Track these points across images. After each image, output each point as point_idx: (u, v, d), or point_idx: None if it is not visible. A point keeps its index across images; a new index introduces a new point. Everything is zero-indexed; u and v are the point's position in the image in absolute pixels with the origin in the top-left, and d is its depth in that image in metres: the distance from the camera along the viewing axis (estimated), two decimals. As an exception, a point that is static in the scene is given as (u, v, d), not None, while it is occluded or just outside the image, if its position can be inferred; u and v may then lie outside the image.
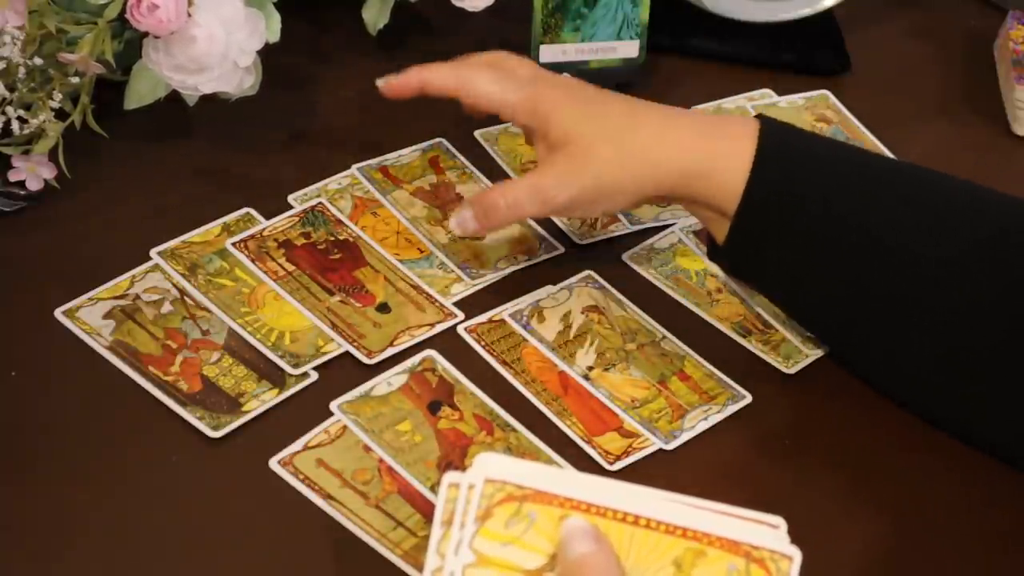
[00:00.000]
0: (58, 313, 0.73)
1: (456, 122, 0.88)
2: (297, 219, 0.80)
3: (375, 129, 0.88)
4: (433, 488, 0.66)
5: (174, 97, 0.82)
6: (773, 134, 0.70)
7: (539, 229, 0.82)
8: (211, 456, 0.68)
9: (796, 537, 0.52)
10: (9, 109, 0.75)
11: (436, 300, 0.76)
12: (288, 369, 0.72)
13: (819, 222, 0.69)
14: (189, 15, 0.75)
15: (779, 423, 0.73)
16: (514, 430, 0.70)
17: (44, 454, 0.67)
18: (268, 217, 0.80)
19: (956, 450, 0.71)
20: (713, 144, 0.70)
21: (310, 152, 0.86)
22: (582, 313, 0.77)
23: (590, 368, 0.74)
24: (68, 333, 0.72)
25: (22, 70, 0.75)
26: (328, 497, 0.65)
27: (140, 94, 0.83)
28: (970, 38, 1.04)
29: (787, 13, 0.99)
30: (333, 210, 0.81)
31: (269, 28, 0.81)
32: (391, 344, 0.73)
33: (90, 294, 0.74)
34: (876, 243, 0.68)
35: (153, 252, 0.77)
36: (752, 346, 0.76)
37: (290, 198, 0.82)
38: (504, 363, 0.73)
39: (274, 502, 0.66)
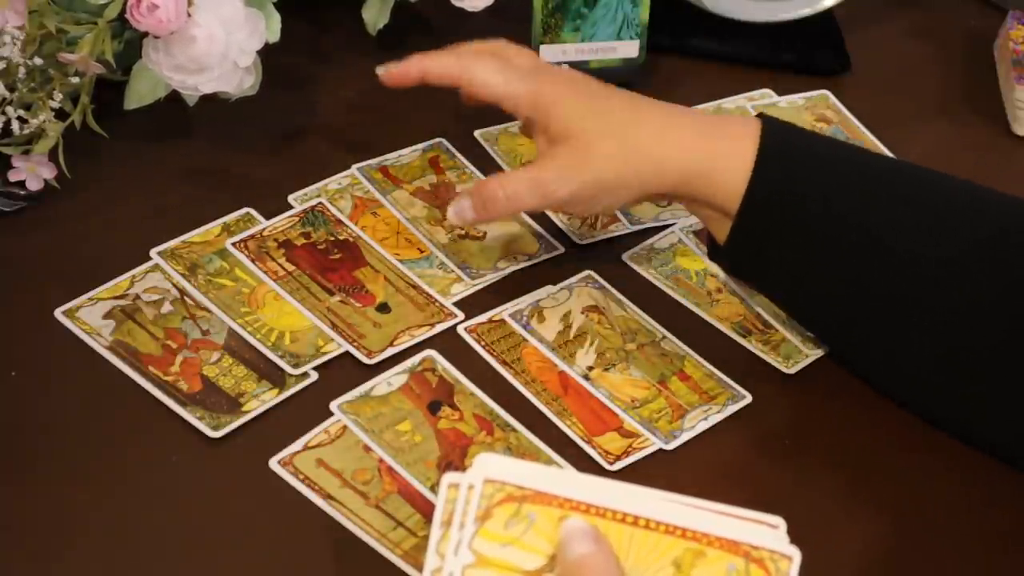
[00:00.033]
0: (58, 313, 0.73)
1: (456, 122, 0.88)
2: (297, 219, 0.80)
3: (375, 129, 0.88)
4: (433, 488, 0.66)
5: (174, 97, 0.82)
6: (775, 133, 0.70)
7: (539, 229, 0.82)
8: (211, 456, 0.68)
9: (796, 537, 0.52)
10: (9, 109, 0.75)
11: (436, 300, 0.76)
12: (288, 369, 0.72)
13: (819, 221, 0.69)
14: (189, 15, 0.75)
15: (779, 423, 0.73)
16: (514, 430, 0.70)
17: (44, 454, 0.67)
18: (268, 217, 0.80)
19: (956, 450, 0.71)
20: (714, 143, 0.70)
21: (310, 152, 0.86)
22: (582, 313, 0.77)
23: (590, 368, 0.74)
24: (68, 333, 0.72)
25: (22, 70, 0.75)
26: (328, 497, 0.65)
27: (140, 94, 0.83)
28: (970, 38, 1.04)
29: (787, 13, 0.99)
30: (333, 210, 0.81)
31: (269, 28, 0.81)
32: (391, 344, 0.73)
33: (90, 294, 0.74)
34: (876, 242, 0.68)
35: (153, 252, 0.77)
36: (752, 346, 0.76)
37: (290, 198, 0.82)
38: (504, 363, 0.73)
39: (274, 502, 0.66)
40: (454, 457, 0.68)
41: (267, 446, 0.67)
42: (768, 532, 0.52)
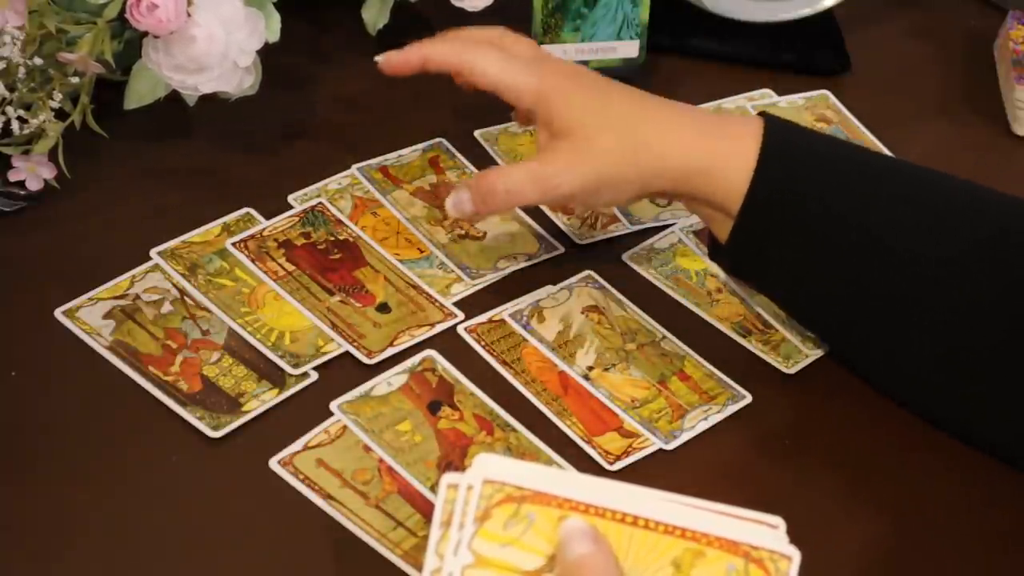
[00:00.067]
0: (58, 313, 0.73)
1: (456, 122, 0.88)
2: (297, 219, 0.80)
3: (375, 129, 0.88)
4: (433, 488, 0.66)
5: (174, 97, 0.82)
6: (776, 132, 0.70)
7: (539, 229, 0.82)
8: (211, 456, 0.68)
9: (795, 537, 0.52)
10: (9, 109, 0.75)
11: (436, 300, 0.76)
12: (288, 369, 0.72)
13: (820, 220, 0.69)
14: (189, 15, 0.75)
15: (779, 423, 0.73)
16: (514, 430, 0.70)
17: (44, 454, 0.67)
18: (268, 217, 0.80)
19: (956, 450, 0.71)
20: (716, 142, 0.70)
21: (310, 152, 0.86)
22: (582, 313, 0.77)
23: (590, 368, 0.74)
24: (68, 333, 0.72)
25: (22, 70, 0.75)
26: (328, 497, 0.65)
27: (140, 94, 0.83)
28: (970, 38, 1.04)
29: (787, 13, 0.99)
30: (333, 210, 0.81)
31: (269, 28, 0.81)
32: (391, 344, 0.73)
33: (90, 294, 0.74)
34: (877, 242, 0.68)
35: (153, 252, 0.77)
36: (752, 346, 0.76)
37: (290, 198, 0.82)
38: (504, 363, 0.73)
39: (274, 502, 0.66)
40: (454, 457, 0.68)
41: (267, 446, 0.67)
42: (768, 532, 0.52)
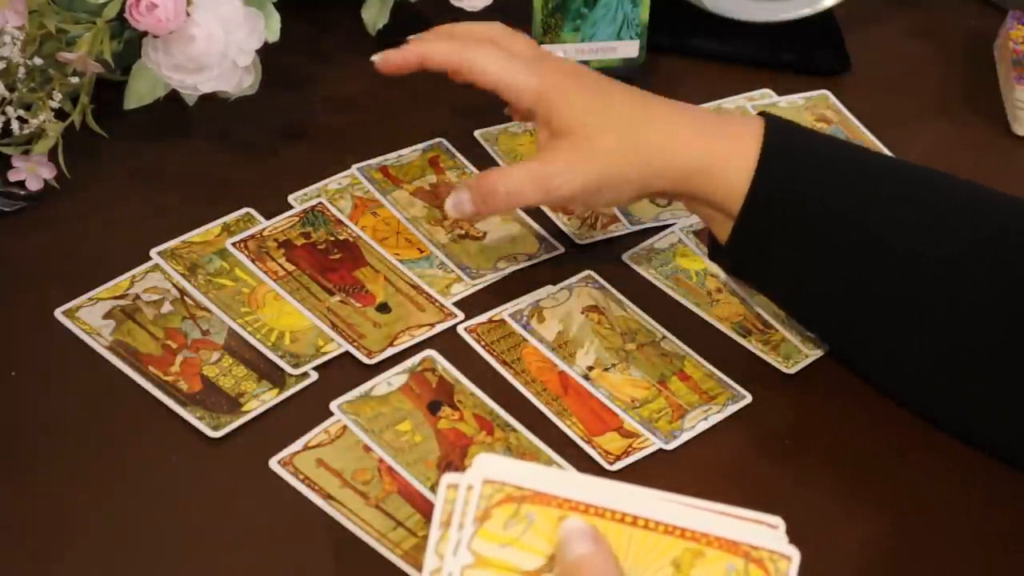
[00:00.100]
0: (58, 313, 0.73)
1: (456, 122, 0.88)
2: (297, 219, 0.80)
3: (375, 129, 0.88)
4: (433, 488, 0.66)
5: (173, 97, 0.82)
6: (777, 132, 0.70)
7: (539, 229, 0.82)
8: (211, 456, 0.68)
9: (795, 537, 0.52)
10: (9, 109, 0.75)
11: (436, 300, 0.76)
12: (288, 369, 0.72)
13: (820, 220, 0.69)
14: (188, 14, 0.75)
15: (779, 423, 0.73)
16: (514, 430, 0.70)
17: (44, 454, 0.67)
18: (268, 217, 0.80)
19: (956, 450, 0.71)
20: (717, 141, 0.70)
21: (310, 152, 0.86)
22: (582, 313, 0.77)
23: (590, 368, 0.74)
24: (68, 333, 0.72)
25: (22, 70, 0.75)
26: (328, 497, 0.65)
27: (140, 94, 0.83)
28: (970, 38, 1.04)
29: (787, 13, 0.99)
30: (333, 210, 0.81)
31: (268, 28, 0.81)
32: (391, 344, 0.73)
33: (90, 294, 0.74)
34: (877, 242, 0.68)
35: (153, 252, 0.77)
36: (752, 346, 0.76)
37: (290, 198, 0.82)
38: (504, 363, 0.73)
39: (274, 502, 0.66)
40: (454, 457, 0.68)
41: (267, 446, 0.67)
42: (767, 532, 0.52)
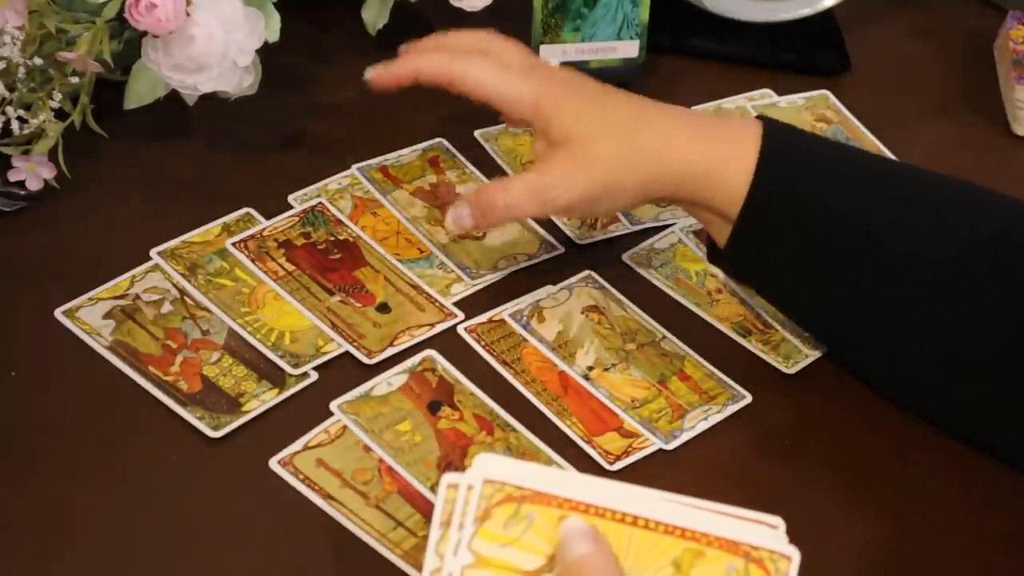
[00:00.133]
0: (58, 313, 0.73)
1: (456, 122, 0.88)
2: (297, 219, 0.80)
3: (375, 129, 0.88)
4: (433, 488, 0.66)
5: (173, 97, 0.82)
6: (775, 135, 0.70)
7: (539, 229, 0.82)
8: (211, 456, 0.68)
9: (795, 537, 0.52)
10: (9, 109, 0.75)
11: (436, 300, 0.76)
12: (288, 369, 0.72)
13: (819, 223, 0.69)
14: (188, 14, 0.75)
15: (779, 423, 0.73)
16: (514, 430, 0.70)
17: (44, 454, 0.67)
18: (268, 217, 0.80)
19: (956, 451, 0.71)
20: (715, 146, 0.70)
21: (310, 152, 0.86)
22: (582, 313, 0.77)
23: (590, 368, 0.74)
24: (68, 333, 0.72)
25: (22, 70, 0.75)
26: (328, 497, 0.65)
27: (139, 94, 0.83)
28: (970, 38, 1.04)
29: (787, 13, 0.99)
30: (333, 210, 0.81)
31: (268, 28, 0.81)
32: (391, 344, 0.73)
33: (90, 294, 0.74)
34: (876, 244, 0.68)
35: (153, 252, 0.77)
36: (752, 346, 0.76)
37: (290, 198, 0.82)
38: (504, 363, 0.73)
39: (274, 502, 0.66)
40: (454, 457, 0.68)
41: (267, 446, 0.67)
42: (767, 532, 0.52)
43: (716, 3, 0.97)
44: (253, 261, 0.77)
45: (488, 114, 0.85)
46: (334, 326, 0.74)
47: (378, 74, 0.74)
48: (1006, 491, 0.70)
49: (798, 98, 0.95)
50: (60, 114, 0.78)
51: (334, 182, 0.83)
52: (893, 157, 0.90)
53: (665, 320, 0.77)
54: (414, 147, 0.87)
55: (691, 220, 0.83)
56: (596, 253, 0.81)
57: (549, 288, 0.78)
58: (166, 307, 0.74)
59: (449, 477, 0.53)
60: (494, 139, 0.88)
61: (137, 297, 0.74)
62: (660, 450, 0.70)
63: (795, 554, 0.52)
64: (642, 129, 0.70)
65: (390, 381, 0.71)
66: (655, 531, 0.52)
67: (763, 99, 0.95)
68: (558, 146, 0.70)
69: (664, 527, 0.52)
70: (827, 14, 1.00)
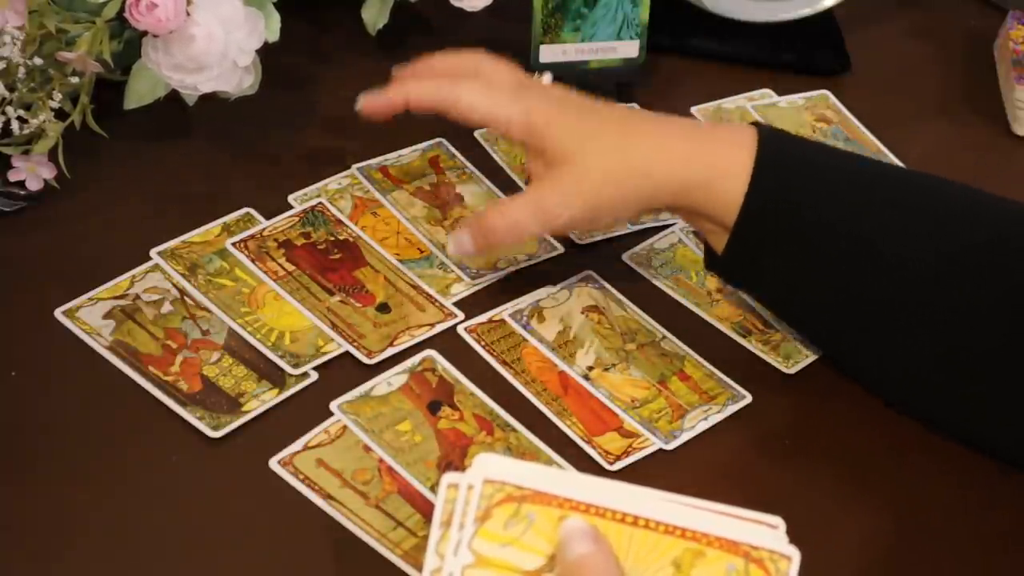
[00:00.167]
0: (58, 313, 0.73)
1: (456, 122, 0.88)
2: (297, 219, 0.80)
3: (375, 129, 0.88)
4: (433, 488, 0.66)
5: (174, 97, 0.82)
6: (770, 142, 0.70)
7: (539, 229, 0.82)
8: (211, 456, 0.68)
9: (795, 537, 0.52)
10: (9, 109, 0.75)
11: (436, 300, 0.77)
12: (288, 369, 0.72)
13: (813, 229, 0.69)
14: (188, 14, 0.75)
15: (779, 423, 0.73)
16: (514, 430, 0.70)
17: (44, 454, 0.67)
18: (268, 217, 0.80)
19: (955, 451, 0.71)
20: (710, 156, 0.70)
21: (310, 152, 0.86)
22: (582, 313, 0.77)
23: (590, 368, 0.74)
24: (68, 333, 0.72)
25: (22, 70, 0.75)
26: (328, 497, 0.65)
27: (140, 94, 0.83)
28: (970, 38, 1.04)
29: (787, 13, 0.99)
30: (333, 210, 0.81)
31: (268, 28, 0.81)
32: (391, 344, 0.73)
33: (90, 294, 0.74)
34: (871, 248, 0.68)
35: (153, 252, 0.77)
36: (752, 346, 0.76)
37: (290, 198, 0.82)
38: (504, 363, 0.73)
39: (274, 502, 0.66)
40: (454, 457, 0.68)
41: (267, 446, 0.67)
42: (767, 532, 0.52)
43: (716, 3, 0.98)
44: (253, 261, 0.77)
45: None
46: (334, 326, 0.74)
47: (369, 103, 0.75)
48: (1005, 491, 0.70)
49: (798, 98, 0.95)
50: (60, 114, 0.78)
51: (334, 182, 0.83)
52: (893, 157, 0.91)
53: (665, 320, 0.77)
54: (414, 147, 0.87)
55: (691, 220, 0.83)
56: (596, 253, 0.81)
57: (549, 288, 0.78)
58: (166, 307, 0.74)
59: (449, 477, 0.53)
60: (494, 139, 0.88)
61: (137, 297, 0.74)
62: (660, 450, 0.70)
63: (795, 554, 0.52)
64: (636, 144, 0.70)
65: (390, 381, 0.71)
66: (655, 531, 0.52)
67: (763, 99, 0.95)
68: (553, 165, 0.71)
69: (664, 527, 0.52)
70: (827, 14, 1.00)
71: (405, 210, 0.82)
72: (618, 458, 0.69)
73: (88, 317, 0.73)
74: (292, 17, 0.84)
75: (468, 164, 0.86)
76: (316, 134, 0.88)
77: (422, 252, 0.80)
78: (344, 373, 0.72)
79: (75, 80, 0.77)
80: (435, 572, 0.52)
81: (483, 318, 0.76)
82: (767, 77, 0.97)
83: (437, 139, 0.88)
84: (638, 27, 0.90)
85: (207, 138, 0.86)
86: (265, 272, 0.76)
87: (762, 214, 0.69)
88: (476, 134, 0.88)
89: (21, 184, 0.78)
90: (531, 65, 0.89)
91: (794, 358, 0.76)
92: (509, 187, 0.84)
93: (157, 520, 0.65)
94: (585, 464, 0.69)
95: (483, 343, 0.74)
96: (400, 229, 0.81)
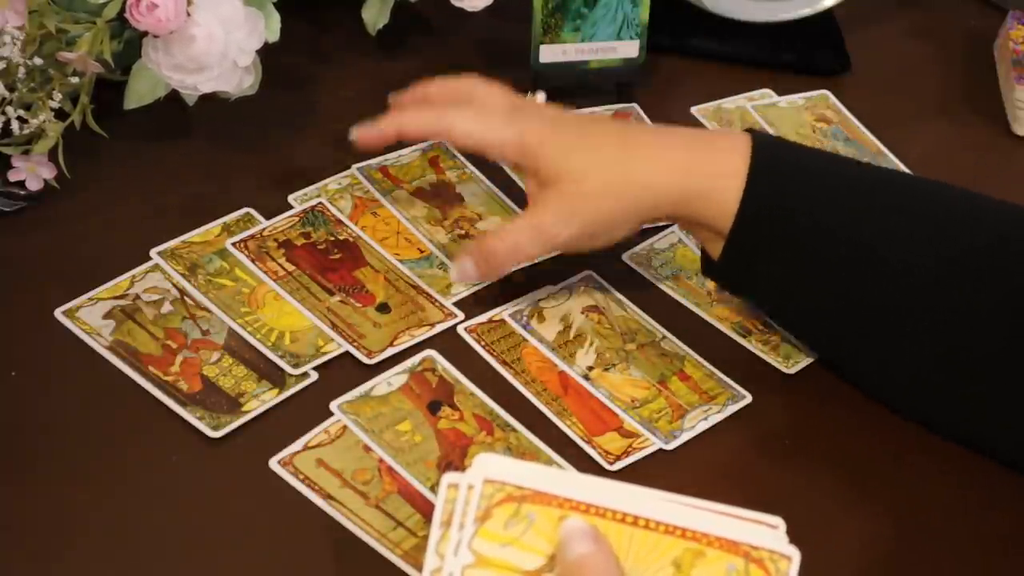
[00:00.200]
0: (58, 313, 0.73)
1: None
2: (297, 219, 0.80)
3: (375, 129, 0.88)
4: (433, 488, 0.66)
5: (174, 97, 0.82)
6: (764, 149, 0.70)
7: (539, 229, 0.82)
8: (211, 456, 0.68)
9: (795, 537, 0.52)
10: (9, 109, 0.75)
11: (436, 300, 0.76)
12: (288, 369, 0.72)
13: (809, 235, 0.69)
14: (188, 14, 0.75)
15: (779, 423, 0.73)
16: (514, 430, 0.70)
17: (44, 454, 0.67)
18: (268, 217, 0.80)
19: (955, 452, 0.71)
20: (706, 166, 0.70)
21: (310, 152, 0.86)
22: (582, 313, 0.77)
23: (590, 368, 0.74)
24: (68, 333, 0.72)
25: (22, 70, 0.75)
26: (328, 497, 0.65)
27: (140, 94, 0.83)
28: (970, 38, 1.04)
29: (787, 13, 0.99)
30: (333, 210, 0.81)
31: (269, 28, 0.81)
32: (391, 344, 0.73)
33: (90, 294, 0.74)
34: (869, 253, 0.68)
35: (153, 252, 0.77)
36: (752, 346, 0.76)
37: (290, 198, 0.82)
38: (504, 363, 0.73)
39: (274, 502, 0.66)
40: (454, 457, 0.68)
41: (267, 446, 0.67)
42: (768, 532, 0.52)
43: (716, 3, 0.98)
44: (253, 261, 0.77)
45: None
46: (334, 326, 0.74)
47: (363, 134, 0.76)
48: (1005, 493, 0.70)
49: (798, 98, 0.95)
50: (60, 114, 0.78)
51: (334, 182, 0.83)
52: (893, 157, 0.91)
53: (665, 320, 0.77)
54: (414, 147, 0.87)
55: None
56: (596, 253, 0.81)
57: (549, 288, 0.78)
58: (166, 307, 0.74)
59: (449, 477, 0.53)
60: (494, 139, 0.88)
61: (137, 297, 0.74)
62: (660, 450, 0.70)
63: (795, 554, 0.52)
64: (631, 159, 0.70)
65: (390, 381, 0.71)
66: (655, 531, 0.52)
67: (763, 99, 0.95)
68: (549, 185, 0.71)
69: (664, 527, 0.52)
70: (827, 14, 1.00)
71: (405, 210, 0.82)
72: (618, 458, 0.69)
73: (88, 317, 0.73)
74: (292, 17, 0.84)
75: (468, 164, 0.86)
76: (316, 134, 0.88)
77: (422, 252, 0.80)
78: (344, 373, 0.72)
79: (75, 80, 0.77)
80: (435, 572, 0.52)
81: (483, 318, 0.76)
82: (767, 77, 0.97)
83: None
84: (638, 27, 0.90)
85: (207, 138, 0.87)
86: (265, 272, 0.76)
87: (756, 220, 0.69)
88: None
89: (21, 184, 0.78)
90: (531, 65, 0.89)
91: (794, 358, 0.76)
92: (509, 187, 0.84)
93: (157, 520, 0.65)
94: (585, 464, 0.69)
95: (483, 343, 0.74)
96: (400, 229, 0.81)
